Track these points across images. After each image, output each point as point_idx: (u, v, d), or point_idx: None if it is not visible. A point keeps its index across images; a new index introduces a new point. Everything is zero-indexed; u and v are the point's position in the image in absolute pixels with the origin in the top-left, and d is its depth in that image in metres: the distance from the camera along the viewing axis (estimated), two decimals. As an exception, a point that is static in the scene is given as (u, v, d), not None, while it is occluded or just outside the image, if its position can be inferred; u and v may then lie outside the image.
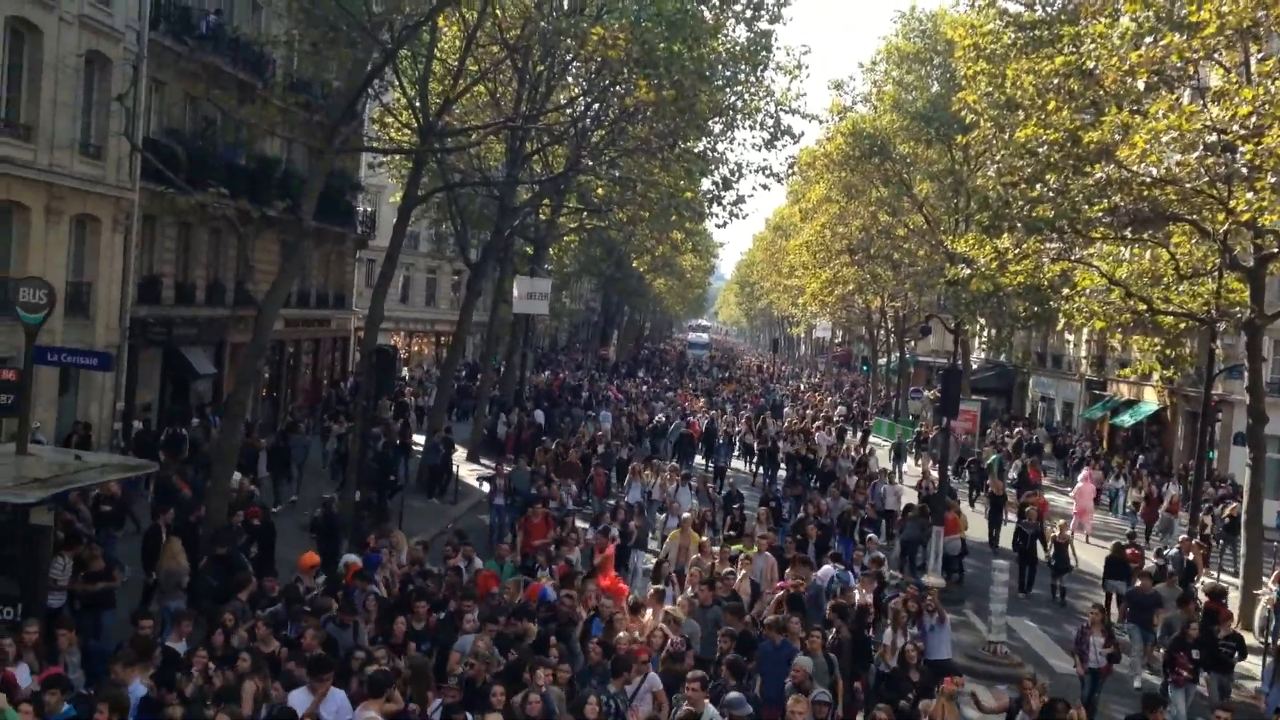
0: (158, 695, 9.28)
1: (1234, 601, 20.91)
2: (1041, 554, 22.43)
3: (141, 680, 9.49)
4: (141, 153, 22.75)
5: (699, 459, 34.08)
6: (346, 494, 21.61)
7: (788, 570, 15.27)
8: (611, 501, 22.57)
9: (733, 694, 9.87)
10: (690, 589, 13.98)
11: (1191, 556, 21.22)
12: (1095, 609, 15.71)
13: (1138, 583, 17.83)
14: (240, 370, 21.67)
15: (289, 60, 28.60)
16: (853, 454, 32.40)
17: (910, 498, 26.41)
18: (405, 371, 53.54)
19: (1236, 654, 15.18)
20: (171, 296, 27.19)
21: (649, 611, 13.02)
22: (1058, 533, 22.30)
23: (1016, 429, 45.82)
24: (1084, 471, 32.51)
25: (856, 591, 14.73)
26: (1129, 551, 20.83)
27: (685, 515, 17.20)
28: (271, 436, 26.16)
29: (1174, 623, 15.41)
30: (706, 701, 9.82)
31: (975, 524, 25.94)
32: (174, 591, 13.83)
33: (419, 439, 30.70)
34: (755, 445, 34.22)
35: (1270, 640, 18.39)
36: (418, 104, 25.08)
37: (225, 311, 29.46)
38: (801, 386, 69.30)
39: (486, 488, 23.28)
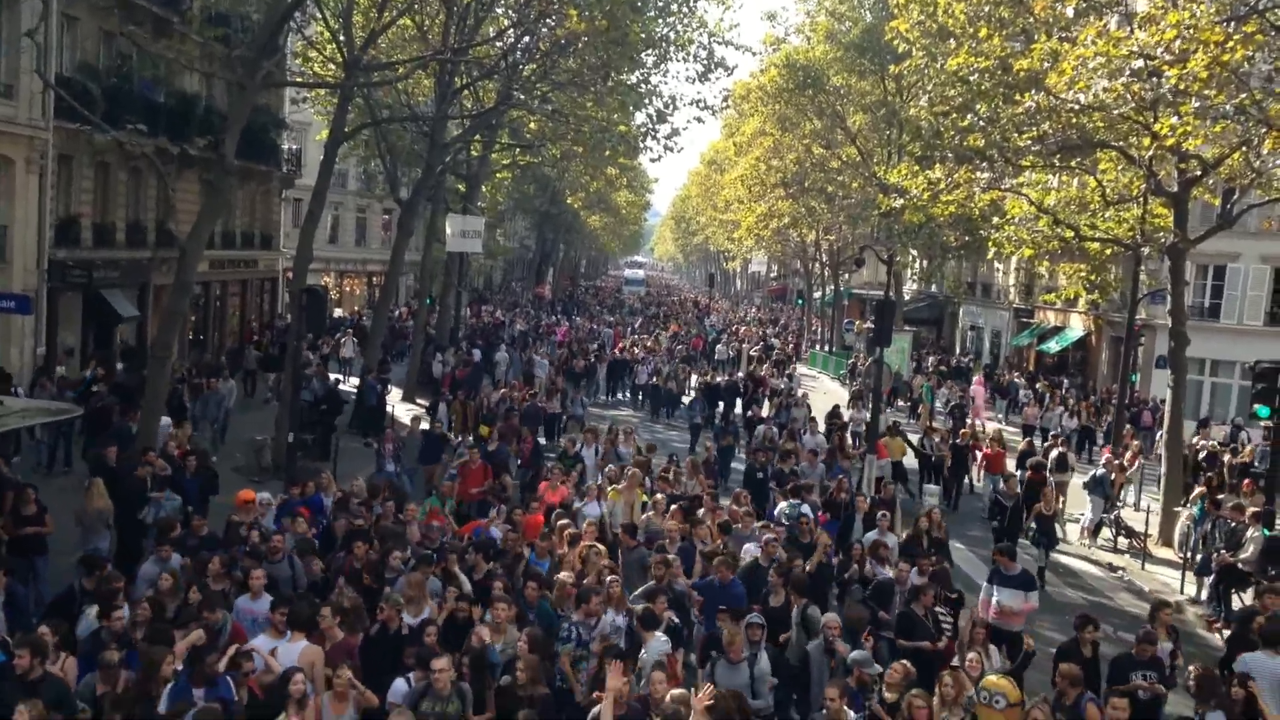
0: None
1: (1154, 521, 21.73)
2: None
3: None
4: (55, 90, 21.91)
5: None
6: (280, 436, 21.42)
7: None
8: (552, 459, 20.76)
9: (858, 652, 9.86)
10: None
11: (1114, 477, 21.87)
12: (1162, 607, 11.44)
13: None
14: (164, 313, 21.17)
15: (206, -9, 27.57)
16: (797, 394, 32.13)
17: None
18: (341, 311, 52.85)
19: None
20: (90, 238, 26.40)
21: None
22: (1043, 504, 18.58)
23: (945, 358, 46.79)
24: (976, 378, 37.74)
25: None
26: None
27: (632, 472, 16.99)
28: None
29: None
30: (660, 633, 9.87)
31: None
32: (99, 531, 13.60)
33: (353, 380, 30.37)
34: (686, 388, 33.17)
35: (1189, 555, 19.07)
36: (342, 37, 24.36)
37: (147, 253, 28.73)
38: (735, 323, 69.46)
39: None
